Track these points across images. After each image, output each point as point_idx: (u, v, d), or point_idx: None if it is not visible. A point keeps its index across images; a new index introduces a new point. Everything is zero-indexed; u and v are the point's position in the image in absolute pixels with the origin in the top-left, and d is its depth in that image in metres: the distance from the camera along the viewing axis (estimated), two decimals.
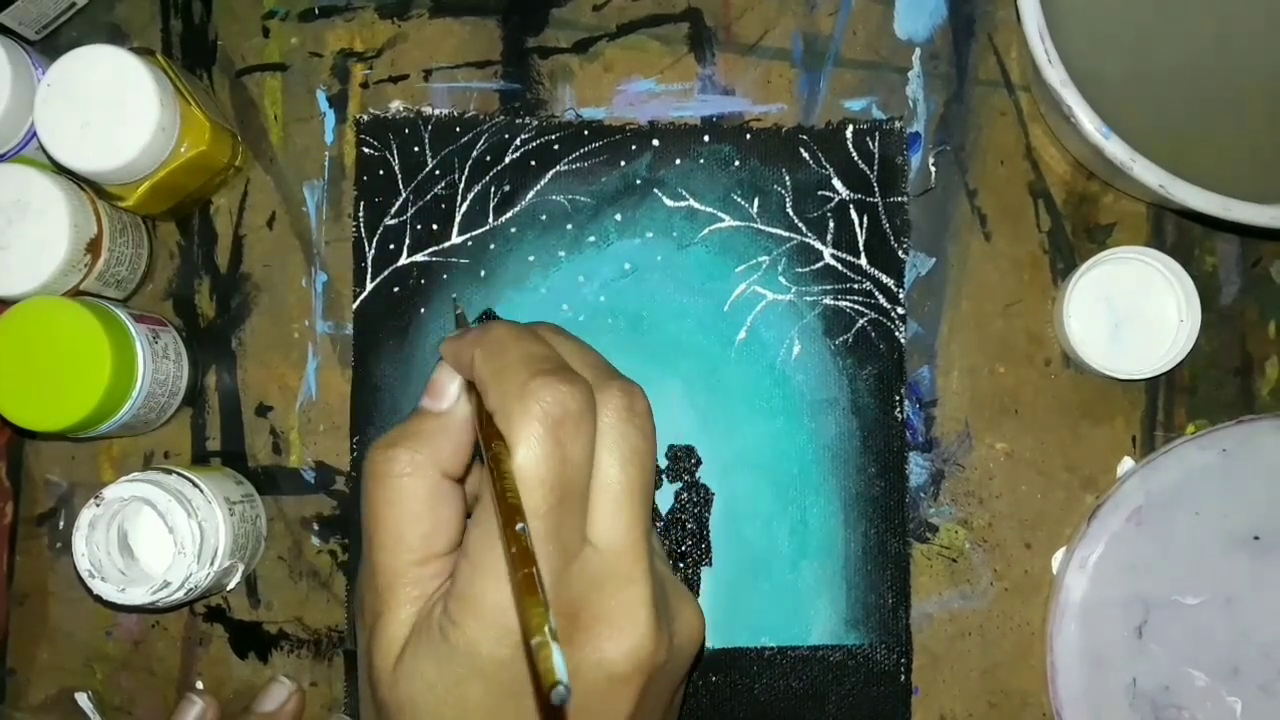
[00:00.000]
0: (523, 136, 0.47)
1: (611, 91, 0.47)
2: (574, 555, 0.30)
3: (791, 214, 0.47)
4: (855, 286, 0.47)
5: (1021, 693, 0.46)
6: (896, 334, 0.46)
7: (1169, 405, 0.47)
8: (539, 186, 0.47)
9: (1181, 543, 0.45)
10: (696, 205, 0.47)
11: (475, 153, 0.47)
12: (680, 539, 0.46)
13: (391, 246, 0.47)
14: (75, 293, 0.43)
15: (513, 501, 0.28)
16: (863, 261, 0.47)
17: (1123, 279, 0.46)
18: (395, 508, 0.32)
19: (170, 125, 0.41)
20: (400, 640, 0.31)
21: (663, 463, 0.46)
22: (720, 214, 0.47)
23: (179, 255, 0.47)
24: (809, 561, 0.46)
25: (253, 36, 0.47)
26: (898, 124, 0.47)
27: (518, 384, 0.30)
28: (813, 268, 0.47)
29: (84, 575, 0.41)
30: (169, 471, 0.42)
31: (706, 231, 0.47)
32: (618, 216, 0.47)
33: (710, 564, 0.46)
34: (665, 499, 0.46)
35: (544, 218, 0.47)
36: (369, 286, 0.47)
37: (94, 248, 0.42)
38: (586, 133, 0.47)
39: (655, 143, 0.47)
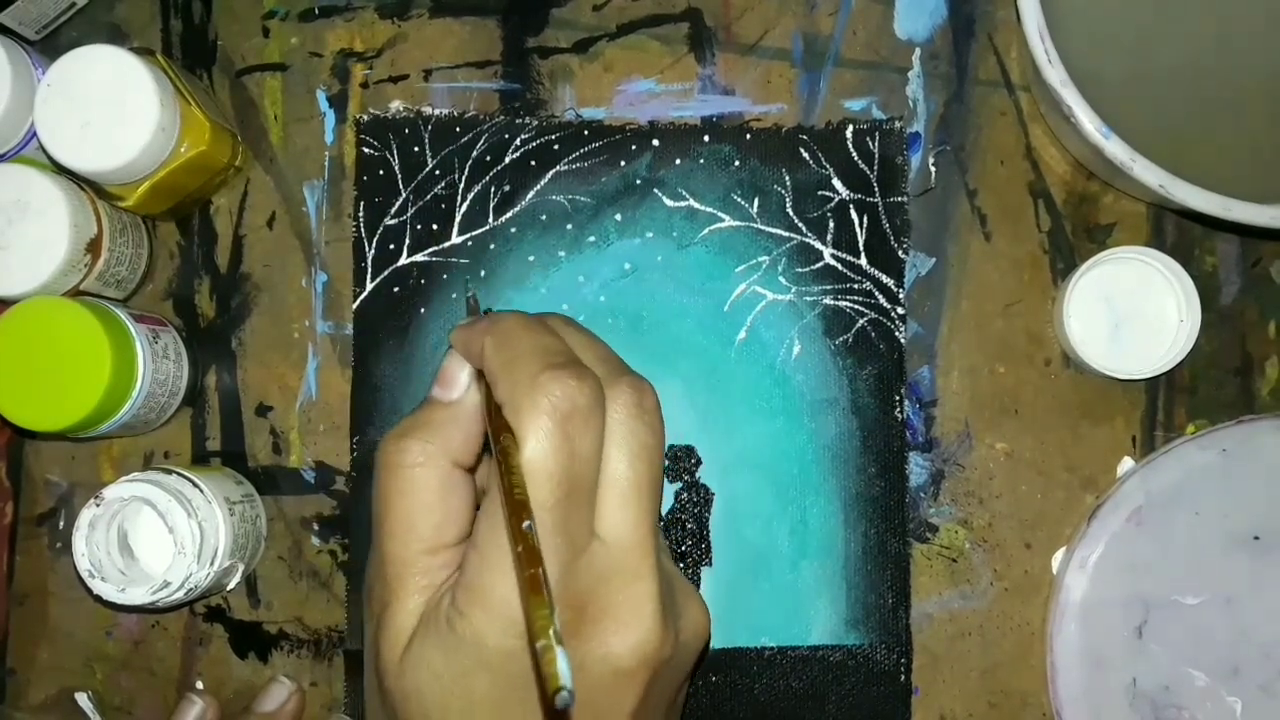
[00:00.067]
0: (523, 136, 0.47)
1: (611, 91, 0.47)
2: (581, 549, 0.30)
3: (791, 214, 0.47)
4: (855, 286, 0.47)
5: (1021, 693, 0.46)
6: (896, 334, 0.46)
7: (1169, 405, 0.47)
8: (539, 186, 0.47)
9: (1181, 543, 0.45)
10: (696, 205, 0.47)
11: (475, 153, 0.47)
12: (680, 539, 0.46)
13: (391, 246, 0.47)
14: (75, 293, 0.43)
15: (520, 497, 0.28)
16: (863, 261, 0.47)
17: (1123, 279, 0.46)
18: (407, 498, 0.32)
19: (170, 125, 0.41)
20: (408, 630, 0.31)
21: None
22: (720, 214, 0.47)
23: (179, 255, 0.47)
24: (809, 561, 0.46)
25: (253, 36, 0.47)
26: (898, 124, 0.47)
27: (528, 377, 0.30)
28: (813, 268, 0.47)
29: (84, 575, 0.41)
30: (169, 471, 0.42)
31: (706, 231, 0.47)
32: (618, 216, 0.47)
33: (710, 564, 0.46)
34: (665, 499, 0.46)
35: (544, 218, 0.47)
36: (369, 286, 0.47)
37: (94, 248, 0.42)
38: (586, 133, 0.47)
39: (655, 143, 0.47)
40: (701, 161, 0.47)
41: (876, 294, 0.47)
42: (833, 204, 0.47)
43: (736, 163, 0.47)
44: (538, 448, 0.29)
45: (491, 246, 0.47)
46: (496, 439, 0.30)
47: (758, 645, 0.45)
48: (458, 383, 0.33)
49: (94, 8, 0.47)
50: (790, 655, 0.45)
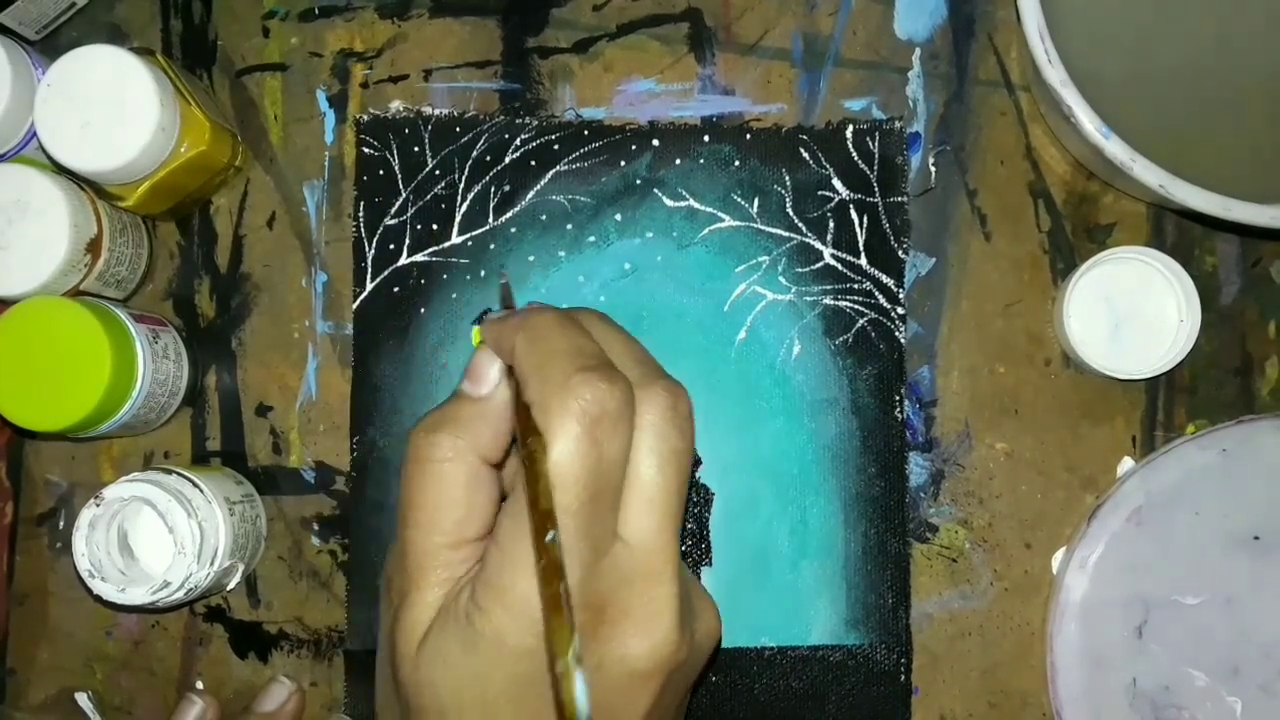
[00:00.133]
0: (523, 136, 0.47)
1: (611, 91, 0.47)
2: (604, 551, 0.30)
3: (791, 214, 0.47)
4: (855, 286, 0.47)
5: (1021, 693, 0.46)
6: (896, 334, 0.46)
7: (1169, 405, 0.47)
8: (539, 186, 0.47)
9: (1181, 543, 0.45)
10: (696, 205, 0.47)
11: (475, 153, 0.47)
12: (680, 539, 0.46)
13: (391, 246, 0.47)
14: (75, 293, 0.43)
15: (545, 507, 0.28)
16: (863, 261, 0.47)
17: (1123, 279, 0.46)
18: (434, 492, 0.32)
19: (170, 125, 0.41)
20: (425, 622, 0.31)
21: None
22: (720, 214, 0.47)
23: (179, 255, 0.47)
24: (809, 561, 0.46)
25: (253, 36, 0.47)
26: (898, 124, 0.47)
27: (559, 379, 0.30)
28: (813, 268, 0.47)
29: (84, 575, 0.41)
30: (169, 471, 0.42)
31: (706, 231, 0.47)
32: (618, 216, 0.47)
33: (710, 564, 0.46)
34: None
35: (544, 218, 0.47)
36: (369, 286, 0.47)
37: (94, 248, 0.42)
38: (586, 133, 0.47)
39: (655, 143, 0.47)
40: (701, 161, 0.47)
41: (876, 294, 0.47)
42: (833, 204, 0.47)
43: (736, 163, 0.47)
44: (565, 451, 0.29)
45: (491, 246, 0.47)
46: (524, 440, 0.30)
47: (758, 645, 0.45)
48: (488, 379, 0.33)
49: (94, 8, 0.47)
50: (790, 655, 0.45)
